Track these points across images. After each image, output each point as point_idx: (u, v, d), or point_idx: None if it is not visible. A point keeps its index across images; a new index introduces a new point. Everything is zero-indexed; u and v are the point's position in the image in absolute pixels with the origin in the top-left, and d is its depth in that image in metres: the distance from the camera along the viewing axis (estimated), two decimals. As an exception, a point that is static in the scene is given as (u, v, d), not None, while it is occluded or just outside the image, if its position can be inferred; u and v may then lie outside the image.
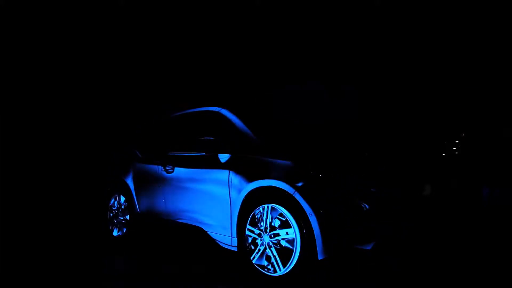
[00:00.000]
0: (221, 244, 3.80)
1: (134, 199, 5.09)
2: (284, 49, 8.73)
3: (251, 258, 3.44)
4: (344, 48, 8.64)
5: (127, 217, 5.19)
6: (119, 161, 5.62)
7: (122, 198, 5.34)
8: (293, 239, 3.19)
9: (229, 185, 3.69)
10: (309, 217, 3.12)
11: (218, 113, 4.18)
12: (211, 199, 3.89)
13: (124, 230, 5.23)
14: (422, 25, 8.14)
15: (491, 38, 7.90)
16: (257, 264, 3.40)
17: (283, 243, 3.26)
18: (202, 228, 4.01)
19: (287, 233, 3.24)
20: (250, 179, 3.54)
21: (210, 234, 3.91)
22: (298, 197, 3.19)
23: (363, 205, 3.18)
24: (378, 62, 8.52)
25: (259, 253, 3.40)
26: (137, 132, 5.63)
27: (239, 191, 3.59)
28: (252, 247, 3.46)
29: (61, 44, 8.67)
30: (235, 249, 3.64)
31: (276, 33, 8.67)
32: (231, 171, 3.70)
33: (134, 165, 5.23)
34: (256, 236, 3.44)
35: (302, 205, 3.16)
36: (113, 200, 5.50)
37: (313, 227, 3.10)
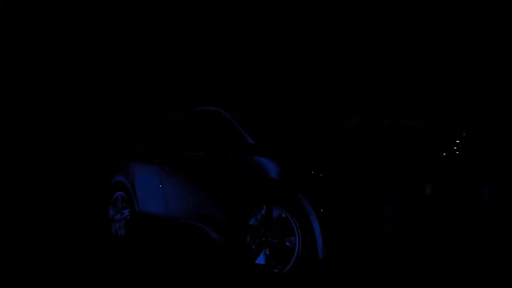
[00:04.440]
0: (222, 243, 3.80)
1: (134, 198, 5.09)
2: (283, 47, 8.73)
3: (251, 257, 3.44)
4: (344, 46, 8.64)
5: (128, 217, 5.19)
6: (119, 161, 5.62)
7: (123, 198, 5.33)
8: (294, 238, 3.19)
9: (230, 184, 3.69)
10: (310, 216, 3.12)
11: (218, 112, 4.17)
12: (211, 198, 3.89)
13: (124, 230, 5.22)
14: (423, 23, 8.14)
15: (491, 37, 7.90)
16: (257, 264, 3.40)
17: (284, 242, 3.26)
18: (202, 227, 4.01)
19: (287, 233, 3.24)
20: (251, 179, 3.54)
21: (210, 233, 3.91)
22: (299, 196, 3.19)
23: (364, 205, 3.18)
24: (379, 60, 8.52)
25: (259, 252, 3.40)
26: (137, 132, 5.63)
27: (240, 190, 3.59)
28: (253, 246, 3.45)
29: (61, 44, 8.66)
30: (235, 248, 3.64)
31: (275, 31, 8.66)
32: (232, 171, 3.70)
33: (134, 165, 5.23)
34: (257, 235, 3.43)
35: (303, 204, 3.16)
36: (113, 200, 5.50)
37: (313, 227, 3.10)
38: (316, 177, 3.20)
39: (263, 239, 3.39)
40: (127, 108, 8.62)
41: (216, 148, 3.87)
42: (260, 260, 3.39)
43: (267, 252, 3.36)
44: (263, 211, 3.42)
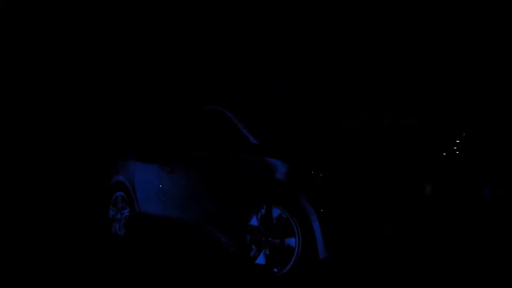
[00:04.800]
0: (222, 243, 3.80)
1: (134, 198, 5.09)
2: (283, 47, 8.73)
3: (252, 257, 3.44)
4: (344, 46, 8.64)
5: (128, 216, 5.19)
6: (119, 161, 5.62)
7: (123, 198, 5.33)
8: (294, 238, 3.19)
9: (230, 184, 3.69)
10: (310, 216, 3.13)
11: (221, 111, 4.15)
12: (211, 198, 3.89)
13: (125, 230, 5.22)
14: (422, 23, 8.14)
15: (491, 37, 7.90)
16: (257, 263, 3.40)
17: (284, 242, 3.26)
18: (202, 227, 4.01)
19: (287, 233, 3.24)
20: (252, 179, 3.54)
21: (211, 232, 3.90)
22: (299, 197, 3.19)
23: (364, 205, 3.18)
24: (379, 60, 8.52)
25: (259, 252, 3.40)
26: (137, 131, 5.63)
27: (241, 191, 3.59)
28: (253, 246, 3.46)
29: (60, 43, 8.66)
30: (235, 247, 3.64)
31: (275, 30, 8.66)
32: (234, 171, 3.70)
33: (134, 164, 5.23)
34: (257, 235, 3.44)
35: (303, 204, 3.16)
36: (113, 200, 5.49)
37: (313, 227, 3.10)
38: (316, 178, 3.20)
39: (263, 239, 3.39)
40: (128, 107, 8.61)
41: (216, 148, 3.87)
42: (260, 260, 3.39)
43: (267, 252, 3.36)
44: (263, 211, 3.42)
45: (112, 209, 5.47)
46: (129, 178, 5.23)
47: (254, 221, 3.47)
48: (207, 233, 3.94)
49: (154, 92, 8.88)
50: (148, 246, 5.00)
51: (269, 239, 3.36)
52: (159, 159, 4.73)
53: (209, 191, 3.93)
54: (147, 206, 4.86)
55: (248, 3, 8.46)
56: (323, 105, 8.49)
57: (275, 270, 3.29)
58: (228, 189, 3.72)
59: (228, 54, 8.95)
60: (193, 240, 4.21)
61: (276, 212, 3.33)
